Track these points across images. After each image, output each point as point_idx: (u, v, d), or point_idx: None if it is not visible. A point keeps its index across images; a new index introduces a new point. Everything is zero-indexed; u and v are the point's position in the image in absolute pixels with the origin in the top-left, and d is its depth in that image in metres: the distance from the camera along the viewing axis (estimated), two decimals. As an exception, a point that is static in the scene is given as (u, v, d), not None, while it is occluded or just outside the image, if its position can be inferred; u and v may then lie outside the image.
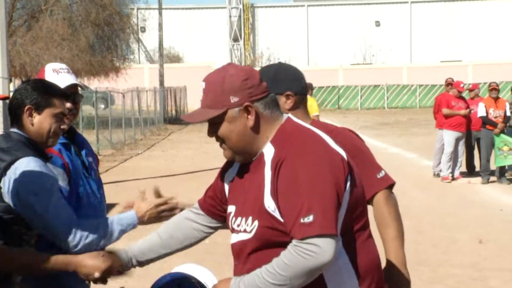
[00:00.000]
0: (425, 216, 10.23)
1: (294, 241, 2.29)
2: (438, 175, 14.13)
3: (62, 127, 3.08)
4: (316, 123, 3.00)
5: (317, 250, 2.25)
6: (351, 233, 2.41)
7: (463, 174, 14.15)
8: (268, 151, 2.44)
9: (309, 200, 2.29)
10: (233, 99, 2.44)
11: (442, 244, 8.54)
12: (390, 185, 3.08)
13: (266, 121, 2.47)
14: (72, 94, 3.37)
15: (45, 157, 3.04)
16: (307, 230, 2.27)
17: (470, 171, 14.44)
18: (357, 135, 3.14)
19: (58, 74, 3.38)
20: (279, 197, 2.35)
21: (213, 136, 2.51)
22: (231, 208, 2.56)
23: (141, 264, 2.81)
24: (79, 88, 3.46)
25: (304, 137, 2.44)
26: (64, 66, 3.48)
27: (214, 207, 2.71)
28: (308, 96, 17.64)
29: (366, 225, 2.49)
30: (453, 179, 13.86)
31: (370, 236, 2.51)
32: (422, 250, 8.17)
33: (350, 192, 2.38)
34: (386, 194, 3.06)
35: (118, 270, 2.80)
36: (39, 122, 3.02)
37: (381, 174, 3.05)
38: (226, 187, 2.63)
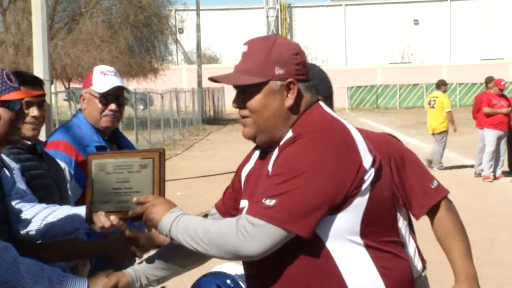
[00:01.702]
0: (466, 216, 10.01)
1: (242, 214, 2.13)
2: (479, 175, 13.94)
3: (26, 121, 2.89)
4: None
5: (252, 232, 2.04)
6: (377, 238, 2.18)
7: (505, 173, 13.94)
8: (287, 137, 2.20)
9: (285, 184, 2.05)
10: (278, 71, 2.18)
11: (483, 244, 8.42)
12: (446, 195, 2.89)
13: (304, 104, 2.22)
14: (117, 96, 3.44)
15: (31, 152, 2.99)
16: (259, 211, 2.05)
17: (512, 170, 14.22)
18: (399, 140, 2.92)
19: (105, 76, 3.45)
20: (270, 174, 2.13)
21: (239, 106, 2.24)
22: (244, 203, 2.30)
23: (152, 282, 2.42)
24: (125, 92, 3.50)
25: (326, 124, 2.18)
26: (112, 69, 3.53)
27: (235, 208, 2.40)
28: (441, 93, 17.42)
29: (396, 234, 2.29)
30: (495, 178, 13.66)
31: (402, 247, 2.30)
32: (463, 250, 8.06)
33: (369, 197, 2.13)
34: (447, 205, 2.87)
35: None
36: None
37: (435, 184, 2.86)
38: (242, 183, 2.38)
